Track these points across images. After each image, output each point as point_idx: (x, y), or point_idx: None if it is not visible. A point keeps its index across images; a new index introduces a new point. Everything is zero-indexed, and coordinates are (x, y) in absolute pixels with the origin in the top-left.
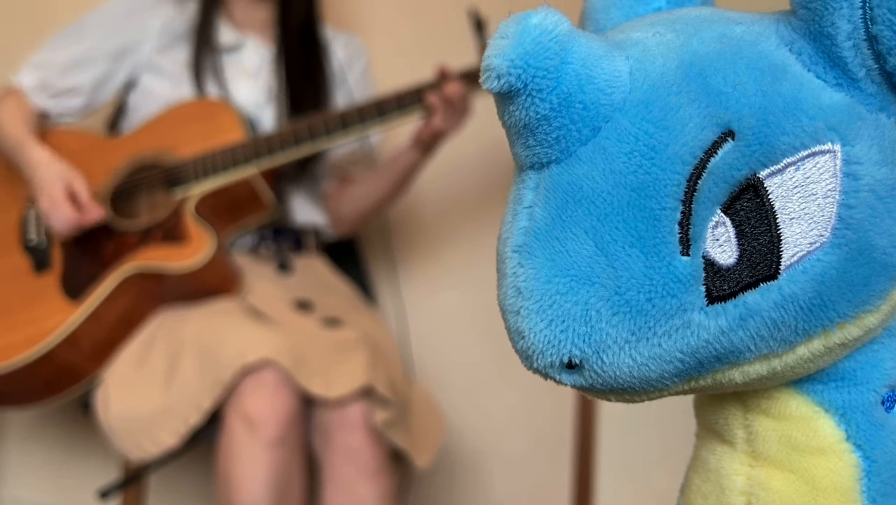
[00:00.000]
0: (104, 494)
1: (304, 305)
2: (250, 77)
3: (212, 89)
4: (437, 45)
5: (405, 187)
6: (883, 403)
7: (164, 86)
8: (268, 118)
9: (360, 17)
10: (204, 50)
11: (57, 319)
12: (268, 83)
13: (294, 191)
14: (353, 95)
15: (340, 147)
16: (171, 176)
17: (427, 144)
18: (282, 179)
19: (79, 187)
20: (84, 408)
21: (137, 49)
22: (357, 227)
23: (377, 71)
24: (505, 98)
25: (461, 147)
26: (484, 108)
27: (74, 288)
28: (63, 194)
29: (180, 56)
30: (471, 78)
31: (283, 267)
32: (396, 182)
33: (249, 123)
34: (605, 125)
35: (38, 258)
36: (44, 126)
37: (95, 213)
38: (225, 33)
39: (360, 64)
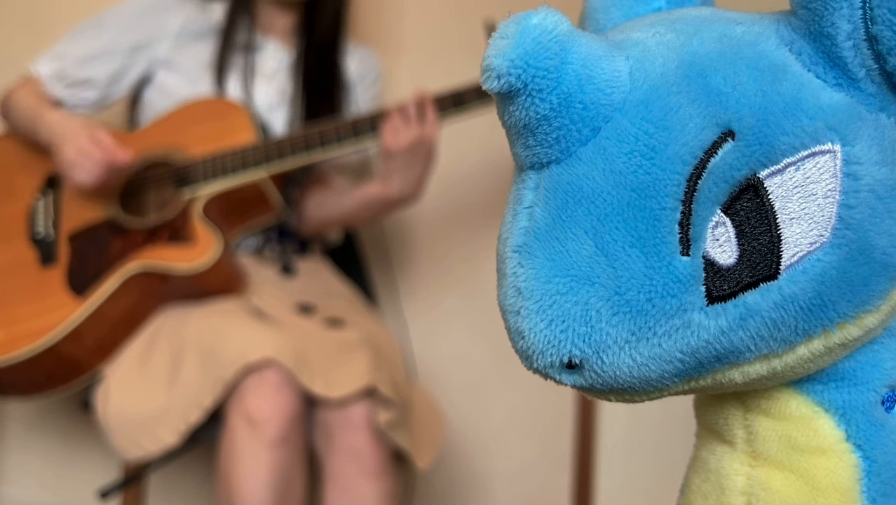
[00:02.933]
0: (104, 493)
1: (305, 309)
2: (266, 79)
3: (233, 88)
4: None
5: (365, 217)
6: (883, 403)
7: (180, 83)
8: (278, 121)
9: (379, 31)
10: (229, 48)
11: (61, 314)
12: (282, 86)
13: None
14: (359, 108)
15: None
16: (180, 175)
17: (386, 168)
18: (290, 183)
19: (101, 134)
20: (84, 406)
21: (154, 45)
22: (318, 231)
23: (397, 85)
24: (505, 98)
25: (460, 145)
26: (481, 108)
27: (80, 283)
28: (88, 140)
29: (200, 54)
30: (442, 102)
31: (287, 269)
32: (356, 208)
33: (261, 126)
34: (605, 125)
35: (45, 251)
36: None
37: (122, 153)
38: (247, 34)
39: (370, 78)
